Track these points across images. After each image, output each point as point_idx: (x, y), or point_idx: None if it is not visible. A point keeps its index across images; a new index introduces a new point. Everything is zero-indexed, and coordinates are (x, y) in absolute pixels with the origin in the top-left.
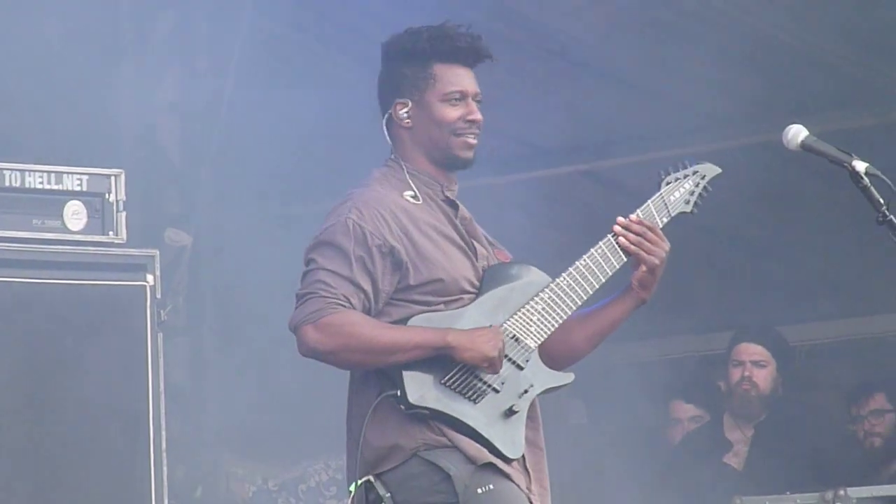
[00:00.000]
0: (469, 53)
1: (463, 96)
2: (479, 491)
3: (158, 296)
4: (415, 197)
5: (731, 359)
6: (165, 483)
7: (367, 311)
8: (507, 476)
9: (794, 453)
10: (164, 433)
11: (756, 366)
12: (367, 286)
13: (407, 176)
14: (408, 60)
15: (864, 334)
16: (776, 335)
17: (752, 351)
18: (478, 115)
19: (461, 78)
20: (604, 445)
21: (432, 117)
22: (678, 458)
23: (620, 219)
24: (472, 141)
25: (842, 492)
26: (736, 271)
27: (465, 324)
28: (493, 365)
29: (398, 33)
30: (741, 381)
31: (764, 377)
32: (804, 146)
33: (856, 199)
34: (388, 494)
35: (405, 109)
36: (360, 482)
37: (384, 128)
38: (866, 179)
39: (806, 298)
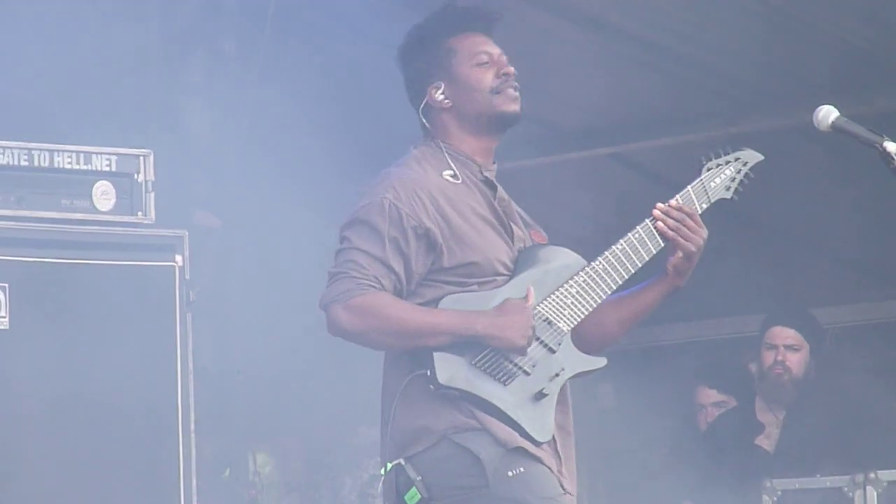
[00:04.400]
0: (477, 18)
1: (490, 56)
2: (510, 474)
3: (187, 276)
4: (454, 176)
5: (763, 342)
6: (194, 463)
7: (399, 293)
8: (538, 459)
9: (826, 436)
10: (192, 413)
11: (789, 350)
12: (399, 268)
13: (446, 155)
14: (423, 48)
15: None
16: (809, 318)
17: (786, 335)
18: (510, 68)
19: (480, 42)
20: (633, 429)
21: (468, 85)
22: (709, 440)
23: (660, 204)
24: (515, 93)
25: (872, 474)
26: (765, 253)
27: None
28: (521, 351)
29: (404, 37)
30: (774, 365)
31: (797, 361)
32: (835, 127)
33: (888, 180)
34: (419, 478)
35: (439, 91)
36: (391, 465)
37: (421, 117)
38: None
39: (836, 280)
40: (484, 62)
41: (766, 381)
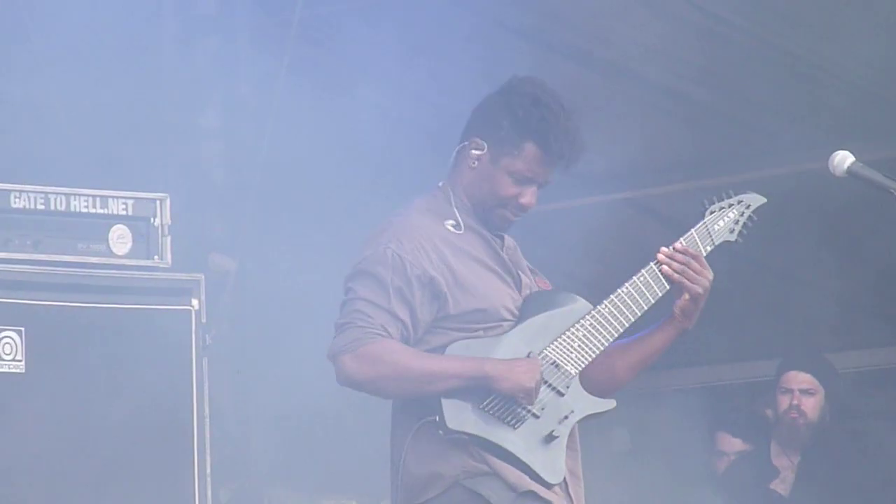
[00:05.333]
0: (563, 159)
1: (530, 181)
2: None
3: (203, 320)
4: (456, 226)
5: (778, 386)
6: None
7: (406, 340)
8: (549, 502)
9: (841, 481)
10: (208, 457)
11: (805, 394)
12: (405, 316)
13: (453, 205)
14: (514, 117)
15: None
16: (825, 363)
17: (801, 379)
18: (531, 201)
19: (540, 166)
20: (647, 473)
21: (492, 180)
22: (725, 484)
23: (664, 248)
24: (512, 219)
25: None
26: (780, 298)
27: (505, 350)
28: (529, 396)
29: (530, 81)
30: (789, 410)
31: (812, 406)
32: (850, 172)
33: None
34: None
35: (478, 153)
36: None
37: (455, 151)
38: None
39: (851, 325)
40: (523, 178)
41: (781, 426)
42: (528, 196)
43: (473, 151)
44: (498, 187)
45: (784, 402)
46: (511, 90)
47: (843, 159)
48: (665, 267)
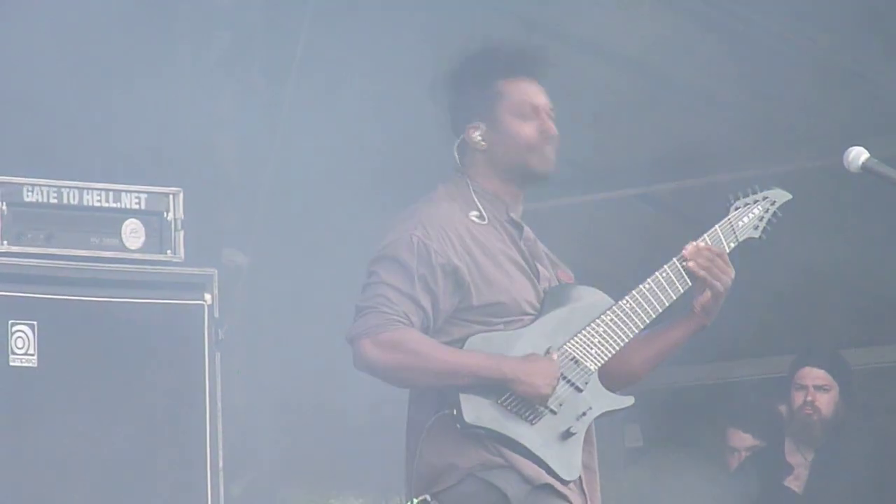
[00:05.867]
0: (530, 63)
1: (534, 109)
2: None
3: (216, 315)
4: (480, 217)
5: (793, 382)
6: (222, 502)
7: (426, 330)
8: (565, 497)
9: (855, 477)
10: (220, 452)
11: (819, 390)
12: (428, 305)
13: (473, 194)
14: (473, 83)
15: None
16: (839, 359)
17: (815, 375)
18: (553, 130)
19: (529, 91)
20: (660, 470)
21: (507, 135)
22: (738, 481)
23: (691, 244)
24: (552, 154)
25: None
26: (795, 293)
27: (524, 344)
28: (544, 400)
29: (458, 60)
30: (804, 406)
31: (827, 402)
32: (865, 168)
33: None
34: None
35: (478, 132)
36: (417, 500)
37: (455, 151)
38: None
39: (866, 321)
40: (528, 114)
41: (795, 422)
42: (547, 125)
43: (475, 134)
44: (519, 136)
45: (798, 398)
46: (451, 77)
47: (858, 155)
48: (691, 263)
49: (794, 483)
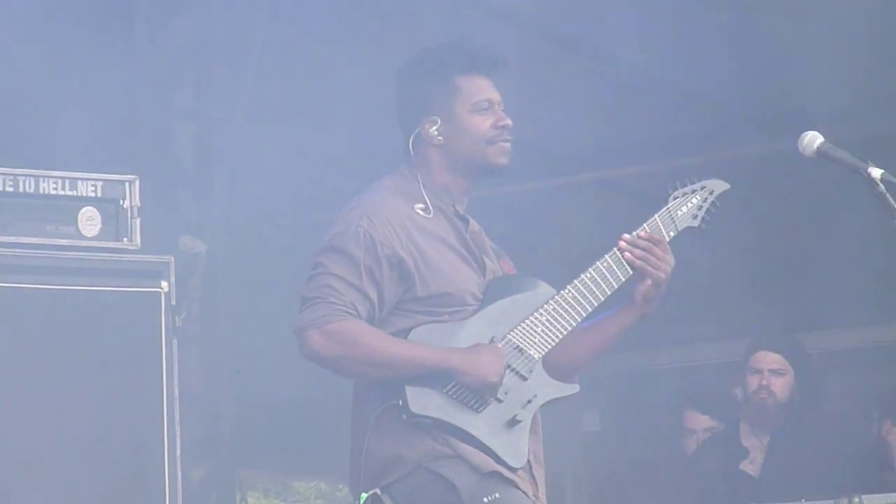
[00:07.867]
0: (487, 62)
1: (490, 104)
2: (486, 500)
3: (173, 302)
4: (425, 209)
5: (748, 366)
6: (180, 489)
7: (371, 320)
8: (513, 483)
9: (810, 461)
10: (178, 439)
11: (774, 374)
12: (374, 295)
13: (421, 187)
14: (429, 78)
15: (881, 342)
16: (794, 343)
17: (770, 359)
18: (508, 121)
19: (484, 87)
20: (618, 454)
21: (465, 130)
22: (694, 465)
23: (626, 235)
24: (507, 146)
25: (856, 499)
26: (751, 278)
27: (468, 334)
28: (493, 390)
29: (414, 53)
30: (759, 390)
31: (781, 386)
32: (820, 153)
33: (873, 206)
34: None
35: (435, 127)
36: (366, 495)
37: (409, 146)
38: (882, 186)
39: (822, 305)
40: (484, 109)
41: (750, 406)
42: (502, 117)
43: (430, 129)
44: (475, 129)
45: (753, 382)
46: (407, 69)
47: (813, 139)
48: (627, 254)
49: (750, 467)
